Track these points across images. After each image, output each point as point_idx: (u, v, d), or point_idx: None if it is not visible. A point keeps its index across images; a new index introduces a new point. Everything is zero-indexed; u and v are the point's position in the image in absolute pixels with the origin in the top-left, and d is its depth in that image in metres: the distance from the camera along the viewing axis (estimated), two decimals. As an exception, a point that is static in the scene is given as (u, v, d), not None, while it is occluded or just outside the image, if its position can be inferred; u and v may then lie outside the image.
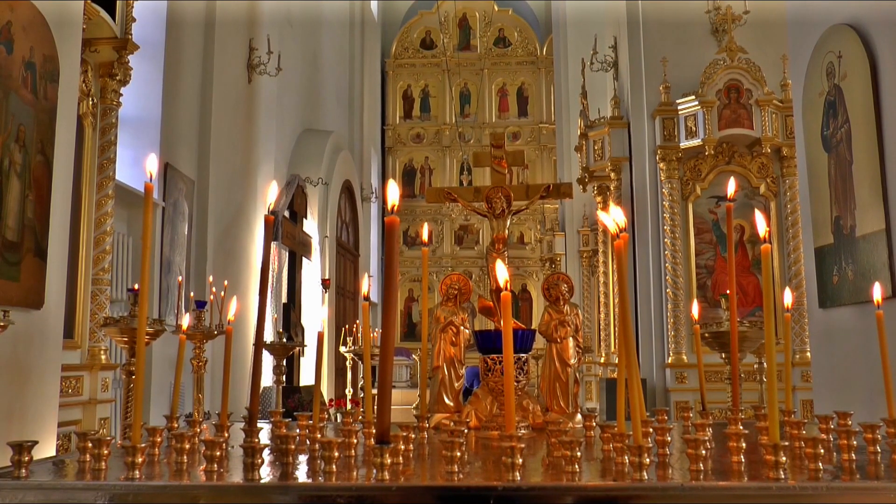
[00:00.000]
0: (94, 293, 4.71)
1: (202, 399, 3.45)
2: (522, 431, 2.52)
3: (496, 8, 19.94)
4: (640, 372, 5.47)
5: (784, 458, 1.47)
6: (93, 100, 4.85)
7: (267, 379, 6.94)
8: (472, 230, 18.92)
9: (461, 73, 19.53)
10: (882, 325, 2.03)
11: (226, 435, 1.87)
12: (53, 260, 3.40)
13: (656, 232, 7.31)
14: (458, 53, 19.78)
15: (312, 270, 11.86)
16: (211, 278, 5.15)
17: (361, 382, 6.04)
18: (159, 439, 1.91)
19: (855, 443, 1.76)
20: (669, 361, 7.02)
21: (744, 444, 1.68)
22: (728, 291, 3.27)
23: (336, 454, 1.54)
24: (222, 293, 4.01)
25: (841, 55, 3.73)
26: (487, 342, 2.60)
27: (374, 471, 1.46)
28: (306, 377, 10.92)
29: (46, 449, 3.30)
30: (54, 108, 3.42)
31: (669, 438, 1.85)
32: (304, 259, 11.52)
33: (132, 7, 5.06)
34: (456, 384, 2.82)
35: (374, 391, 1.70)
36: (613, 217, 1.59)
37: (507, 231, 3.05)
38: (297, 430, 2.12)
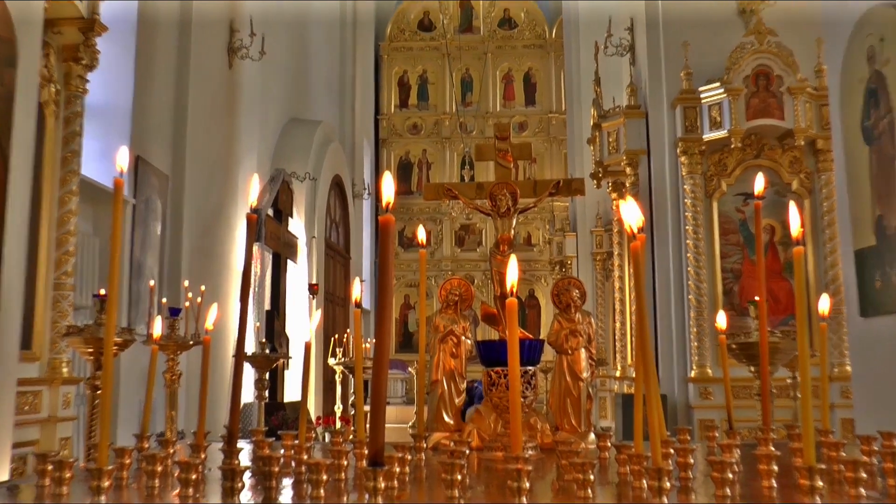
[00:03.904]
0: (56, 299, 4.71)
1: (176, 416, 3.44)
2: (530, 452, 2.52)
3: (501, -15, 20.03)
4: (660, 387, 5.47)
5: (821, 483, 1.46)
6: (55, 86, 4.85)
7: (248, 394, 6.94)
8: (474, 230, 18.95)
9: (462, 57, 19.57)
10: (929, 335, 2.02)
11: (202, 456, 1.87)
12: (10, 263, 3.39)
13: (677, 232, 7.31)
14: (460, 36, 19.82)
15: (299, 274, 11.87)
16: (186, 283, 5.15)
17: (352, 398, 6.04)
18: (128, 461, 1.91)
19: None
20: (692, 375, 7.02)
21: (775, 468, 1.67)
22: (757, 298, 3.26)
23: (324, 477, 1.54)
24: (199, 299, 4.01)
25: (883, 38, 3.73)
26: (491, 353, 2.60)
27: (367, 495, 1.45)
28: (291, 392, 10.93)
29: None
30: (12, 95, 3.42)
31: (692, 460, 1.84)
32: (289, 262, 11.53)
33: (100, -16, 5.07)
34: (456, 400, 2.82)
35: (367, 408, 1.70)
36: (629, 213, 1.58)
37: (512, 231, 3.05)
38: (282, 451, 2.12)
